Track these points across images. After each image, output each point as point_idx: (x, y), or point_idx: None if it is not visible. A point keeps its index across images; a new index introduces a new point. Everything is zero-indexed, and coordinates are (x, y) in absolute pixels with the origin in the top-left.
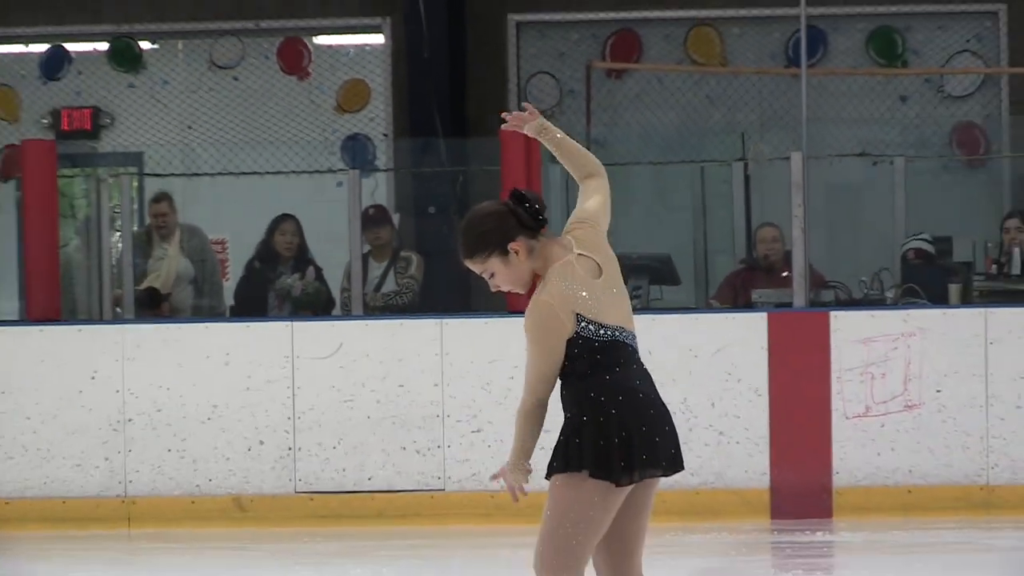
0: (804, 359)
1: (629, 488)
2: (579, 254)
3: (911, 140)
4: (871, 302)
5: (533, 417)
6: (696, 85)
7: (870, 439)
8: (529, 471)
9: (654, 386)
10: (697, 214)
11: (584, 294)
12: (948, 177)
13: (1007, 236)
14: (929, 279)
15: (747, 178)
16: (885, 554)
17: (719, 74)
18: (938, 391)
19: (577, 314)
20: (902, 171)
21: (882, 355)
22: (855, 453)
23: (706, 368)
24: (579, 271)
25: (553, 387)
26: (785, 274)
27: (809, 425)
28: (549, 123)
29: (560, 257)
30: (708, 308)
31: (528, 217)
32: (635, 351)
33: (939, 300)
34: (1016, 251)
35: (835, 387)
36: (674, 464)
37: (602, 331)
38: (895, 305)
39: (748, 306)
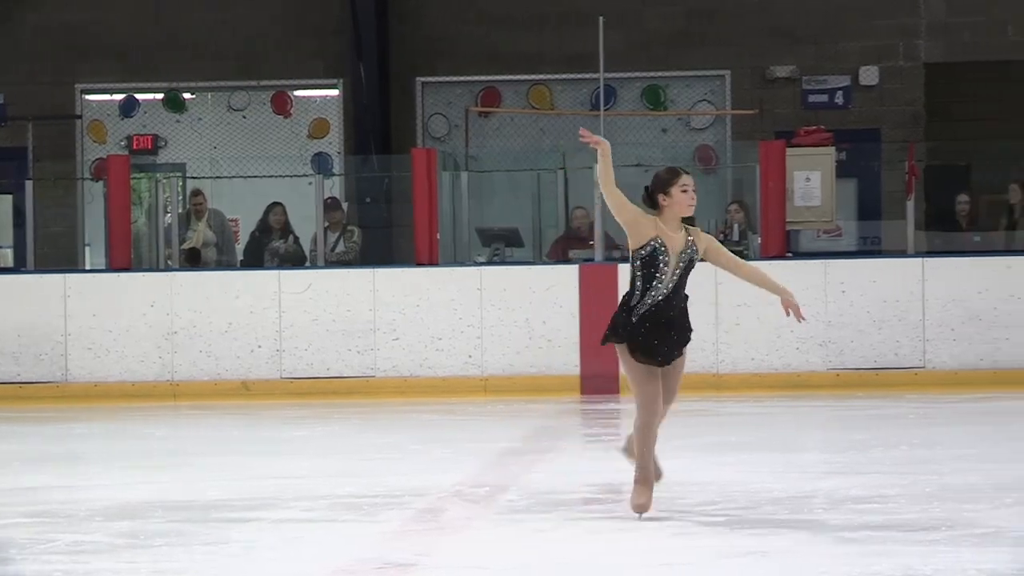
0: (602, 294)
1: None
2: None
3: (669, 156)
4: None
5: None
6: (535, 122)
7: None
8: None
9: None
10: (535, 202)
11: None
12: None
13: (729, 216)
14: None
15: (566, 180)
16: None
17: (549, 115)
18: None
19: None
20: None
21: None
22: None
23: (541, 299)
24: None
25: None
26: (591, 241)
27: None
28: (605, 149)
29: None
30: (542, 261)
31: None
32: None
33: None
34: (735, 226)
35: None
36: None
37: None
38: None
39: (567, 260)
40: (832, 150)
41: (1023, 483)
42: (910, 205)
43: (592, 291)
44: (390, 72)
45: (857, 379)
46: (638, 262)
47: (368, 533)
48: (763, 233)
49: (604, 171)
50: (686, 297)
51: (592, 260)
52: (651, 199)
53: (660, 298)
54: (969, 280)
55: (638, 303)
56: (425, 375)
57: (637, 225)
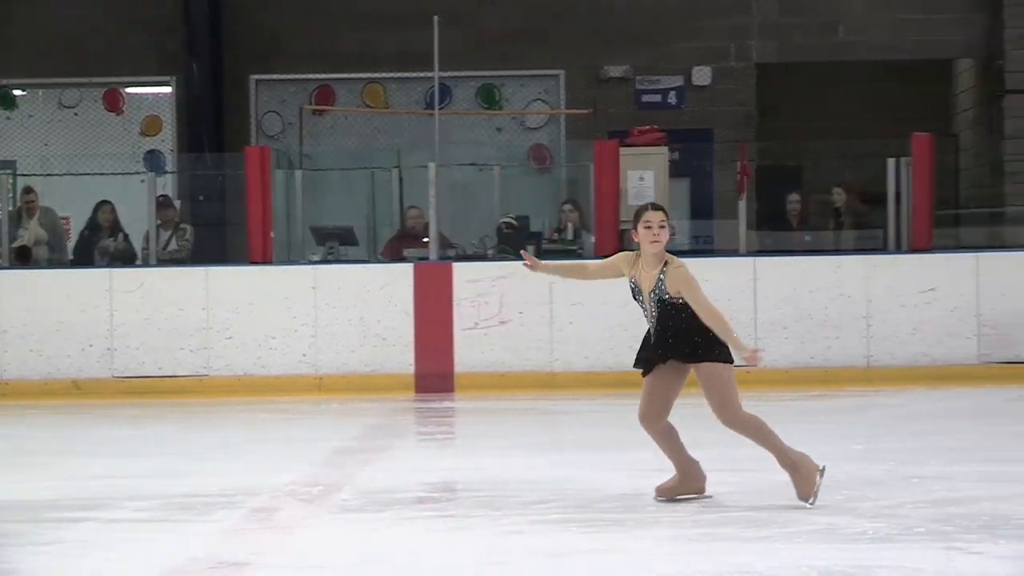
0: (436, 293)
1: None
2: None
3: (504, 155)
4: (479, 257)
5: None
6: (369, 120)
7: (478, 343)
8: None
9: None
10: (369, 201)
11: None
12: (527, 178)
13: (563, 215)
14: (515, 242)
15: (401, 179)
16: (487, 415)
17: (384, 114)
18: (520, 312)
19: None
20: (498, 174)
21: (485, 290)
22: (468, 352)
23: (375, 298)
24: None
25: None
26: (425, 240)
27: (439, 334)
28: (543, 263)
29: None
30: (377, 260)
31: None
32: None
33: (520, 256)
34: (570, 225)
35: (456, 310)
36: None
37: None
38: (493, 258)
39: (401, 259)
40: (665, 150)
41: (855, 479)
42: (742, 205)
43: (426, 290)
44: (224, 69)
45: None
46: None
47: (201, 533)
48: (597, 232)
49: (561, 272)
50: (685, 327)
51: (427, 259)
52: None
53: (650, 329)
54: (800, 279)
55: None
56: (259, 374)
57: (620, 270)
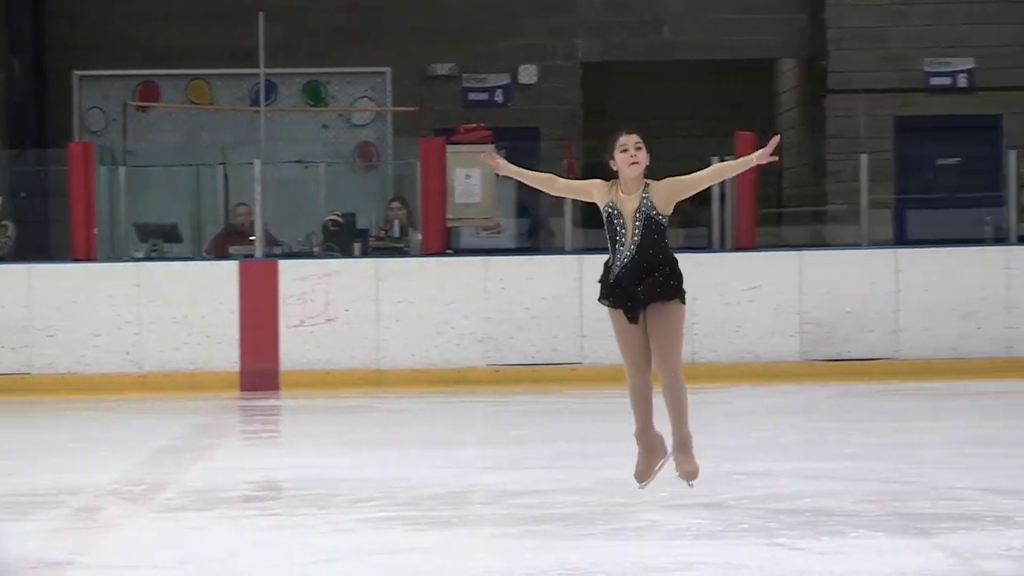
0: (261, 290)
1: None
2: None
3: (330, 152)
4: (305, 254)
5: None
6: (194, 117)
7: (303, 341)
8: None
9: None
10: (194, 198)
11: None
12: (353, 176)
13: (390, 213)
14: (341, 240)
15: (226, 176)
16: (313, 414)
17: (209, 110)
18: (346, 310)
19: None
20: (324, 172)
21: (311, 288)
22: (294, 350)
23: (200, 295)
24: None
25: None
26: (251, 237)
27: (264, 332)
28: (509, 165)
29: None
30: (202, 257)
31: None
32: None
33: (347, 253)
34: (396, 222)
35: (282, 308)
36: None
37: None
38: (320, 256)
39: (227, 256)
40: (491, 147)
41: (674, 478)
42: (568, 202)
43: (252, 287)
44: (46, 65)
45: (516, 375)
46: (605, 225)
47: (23, 532)
48: (424, 230)
49: (528, 178)
50: (663, 257)
51: (252, 256)
52: (608, 166)
53: (627, 259)
54: None
55: (612, 264)
56: (82, 372)
57: (592, 195)
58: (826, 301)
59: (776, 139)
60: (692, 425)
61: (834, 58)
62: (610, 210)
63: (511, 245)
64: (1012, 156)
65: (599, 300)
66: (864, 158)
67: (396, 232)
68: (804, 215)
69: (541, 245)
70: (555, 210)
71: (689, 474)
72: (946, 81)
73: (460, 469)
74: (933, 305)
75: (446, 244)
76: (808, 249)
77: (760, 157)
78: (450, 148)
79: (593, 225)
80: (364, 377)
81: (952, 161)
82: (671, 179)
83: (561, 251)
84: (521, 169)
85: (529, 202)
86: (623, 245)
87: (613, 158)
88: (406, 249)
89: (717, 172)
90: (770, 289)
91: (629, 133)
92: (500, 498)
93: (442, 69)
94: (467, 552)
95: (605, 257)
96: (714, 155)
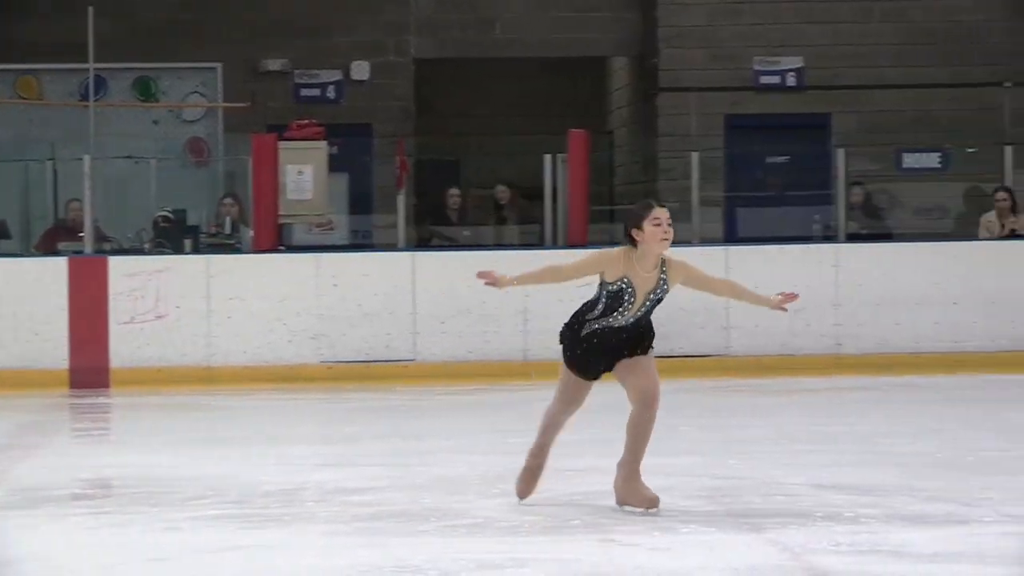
0: (91, 287)
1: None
2: None
3: (160, 148)
4: (135, 251)
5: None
6: (23, 112)
7: (134, 337)
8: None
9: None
10: (23, 194)
11: None
12: (184, 172)
13: (222, 209)
14: (172, 236)
15: (55, 172)
16: (144, 411)
17: (38, 105)
18: (177, 307)
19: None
20: (155, 167)
21: (141, 284)
22: (124, 347)
23: (28, 292)
24: None
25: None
26: (81, 234)
27: (94, 329)
28: (512, 278)
29: None
30: (30, 253)
31: None
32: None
33: (178, 249)
34: (228, 219)
35: (111, 304)
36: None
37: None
38: (150, 252)
39: (56, 253)
40: (324, 144)
41: (508, 474)
42: (401, 199)
43: (81, 284)
44: None
45: (349, 372)
46: (605, 292)
47: None
48: (256, 227)
49: (534, 279)
50: (648, 324)
51: (82, 252)
52: (627, 234)
53: (616, 325)
54: (459, 274)
55: (593, 320)
56: None
57: (605, 270)
58: None
59: (794, 297)
60: (522, 421)
61: (665, 56)
62: (623, 285)
63: (344, 242)
64: (840, 155)
65: (565, 354)
66: (695, 156)
67: (228, 229)
68: None
69: (374, 242)
70: (388, 207)
71: (652, 501)
72: (775, 80)
73: (292, 466)
74: None
75: (278, 241)
76: None
77: (776, 305)
78: (282, 144)
79: (428, 222)
80: (195, 374)
81: (781, 159)
82: (688, 266)
83: (394, 248)
84: (522, 274)
85: (360, 199)
86: (621, 315)
87: (640, 228)
88: (238, 246)
89: (731, 289)
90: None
91: (662, 206)
92: (332, 495)
93: (274, 65)
94: (300, 550)
95: (437, 254)
96: (547, 152)
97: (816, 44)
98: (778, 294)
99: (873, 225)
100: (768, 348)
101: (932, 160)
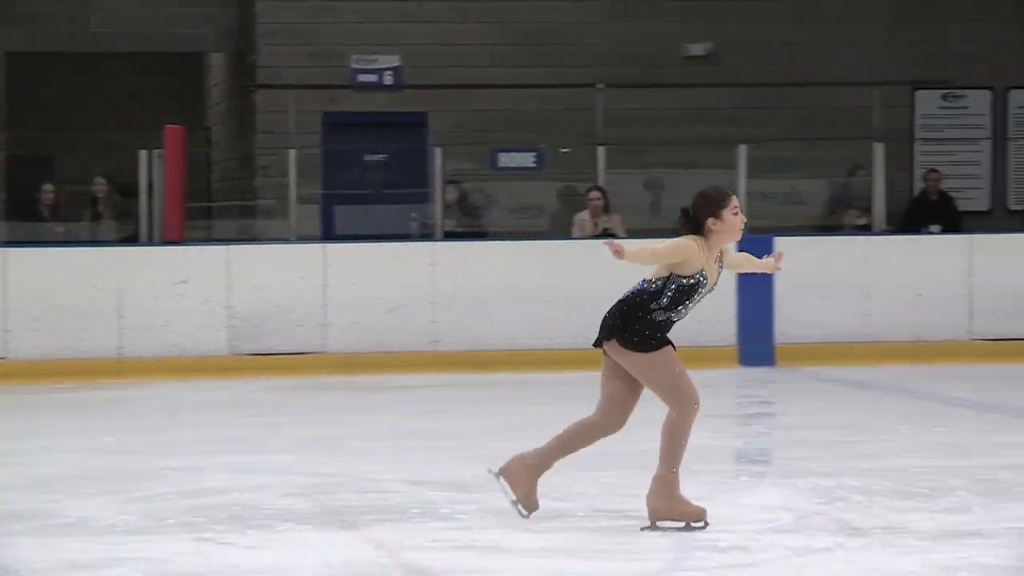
0: None
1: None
2: None
3: None
4: None
5: None
6: None
7: None
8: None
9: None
10: None
11: None
12: None
13: None
14: None
15: None
16: None
17: None
18: None
19: None
20: None
21: None
22: None
23: None
24: None
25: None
26: None
27: None
28: (630, 249)
29: None
30: None
31: None
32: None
33: None
34: None
35: None
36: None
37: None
38: None
39: None
40: None
41: (104, 473)
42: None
43: None
44: None
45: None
46: (674, 286)
47: None
48: None
49: (641, 258)
50: None
51: None
52: (695, 221)
53: (676, 320)
54: (52, 271)
55: (658, 310)
56: None
57: (683, 261)
58: (254, 295)
59: (781, 254)
60: (117, 419)
61: (264, 53)
62: (701, 279)
63: None
64: (437, 153)
65: (649, 341)
66: (292, 153)
67: None
68: (233, 209)
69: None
70: None
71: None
72: (373, 78)
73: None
74: (360, 299)
75: None
76: (237, 243)
77: (770, 267)
78: None
79: (19, 218)
80: None
81: (379, 158)
82: (727, 251)
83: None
84: (632, 250)
85: None
86: (685, 308)
87: (719, 217)
88: None
89: (747, 261)
90: (198, 283)
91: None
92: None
93: None
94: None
95: (29, 250)
96: (144, 148)
97: (414, 43)
98: (767, 256)
99: (470, 224)
100: (365, 345)
101: (527, 160)
